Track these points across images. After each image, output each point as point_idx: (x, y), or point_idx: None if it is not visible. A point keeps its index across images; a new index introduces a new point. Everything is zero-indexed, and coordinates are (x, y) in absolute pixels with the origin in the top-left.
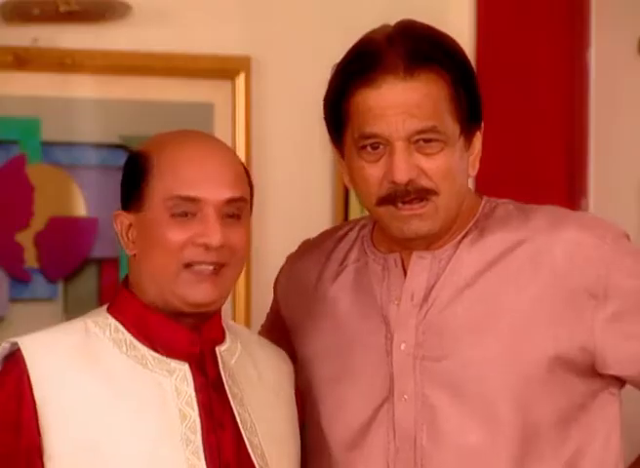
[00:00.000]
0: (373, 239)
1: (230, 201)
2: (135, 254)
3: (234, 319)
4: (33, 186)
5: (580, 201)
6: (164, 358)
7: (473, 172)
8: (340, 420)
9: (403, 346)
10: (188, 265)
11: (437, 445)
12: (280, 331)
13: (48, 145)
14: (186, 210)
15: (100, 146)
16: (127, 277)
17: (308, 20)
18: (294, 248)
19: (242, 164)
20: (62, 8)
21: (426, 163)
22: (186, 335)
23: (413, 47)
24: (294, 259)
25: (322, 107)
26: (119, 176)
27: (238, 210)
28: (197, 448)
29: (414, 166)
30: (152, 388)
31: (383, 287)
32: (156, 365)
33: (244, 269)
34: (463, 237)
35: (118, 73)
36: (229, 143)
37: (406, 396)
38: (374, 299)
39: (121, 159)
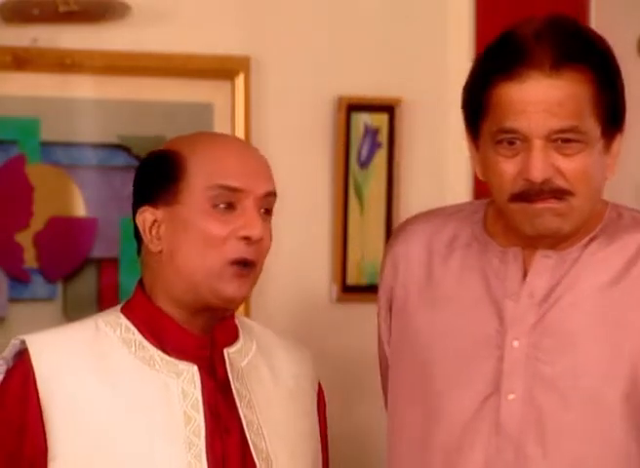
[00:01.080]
0: (486, 228)
1: (268, 195)
2: (160, 251)
3: None
4: (33, 186)
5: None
6: (172, 359)
7: (611, 175)
8: (443, 408)
9: (516, 344)
10: (234, 262)
11: (543, 450)
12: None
13: (47, 145)
14: (229, 200)
15: (99, 146)
16: (141, 279)
17: (308, 20)
18: (292, 246)
19: (267, 161)
20: (62, 8)
21: (564, 163)
22: (196, 339)
23: (561, 44)
24: (398, 241)
25: (464, 96)
26: (118, 176)
27: (270, 205)
28: (200, 452)
29: (550, 165)
30: (158, 390)
31: (499, 280)
32: (164, 366)
33: None
34: (590, 241)
35: (117, 73)
36: None
37: (513, 395)
38: (487, 290)
39: (120, 159)
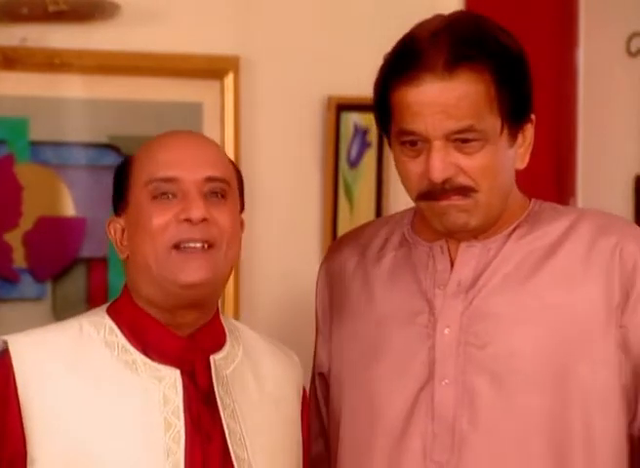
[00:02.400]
0: (414, 228)
1: (210, 179)
2: (127, 257)
3: None
4: (22, 186)
5: (568, 200)
6: (155, 364)
7: (522, 165)
8: (380, 404)
9: (447, 331)
10: (176, 246)
11: (476, 430)
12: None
13: (36, 145)
14: (166, 190)
15: (88, 146)
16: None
17: (298, 20)
18: (282, 246)
19: (226, 154)
20: (51, 7)
21: (464, 161)
22: (180, 341)
23: (455, 45)
24: (330, 254)
25: (373, 97)
26: (107, 176)
27: (221, 190)
28: (178, 461)
29: (450, 164)
30: (139, 395)
31: (428, 272)
32: (146, 370)
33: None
34: (514, 230)
35: (107, 73)
36: (218, 143)
37: (446, 380)
38: (417, 284)
39: (109, 159)
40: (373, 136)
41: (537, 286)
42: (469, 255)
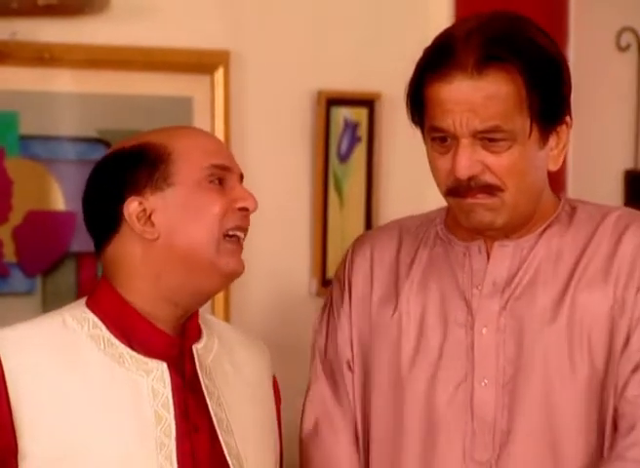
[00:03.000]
0: (447, 227)
1: (242, 177)
2: (157, 238)
3: (214, 314)
4: (11, 180)
5: (558, 195)
6: (142, 357)
7: (554, 166)
8: (415, 397)
9: (484, 331)
10: (227, 234)
11: (516, 430)
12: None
13: (26, 139)
14: (221, 176)
15: (78, 140)
16: (103, 274)
17: (288, 15)
18: (272, 240)
19: None
20: (41, 2)
21: (491, 160)
22: (167, 337)
23: (487, 44)
24: (365, 239)
25: (407, 92)
26: None
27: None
28: (170, 453)
29: (477, 162)
30: (128, 388)
31: (465, 272)
32: (133, 363)
33: None
34: (545, 229)
35: (96, 67)
36: None
37: (486, 381)
38: (455, 283)
39: (99, 153)
40: (363, 130)
41: (569, 286)
42: (502, 255)
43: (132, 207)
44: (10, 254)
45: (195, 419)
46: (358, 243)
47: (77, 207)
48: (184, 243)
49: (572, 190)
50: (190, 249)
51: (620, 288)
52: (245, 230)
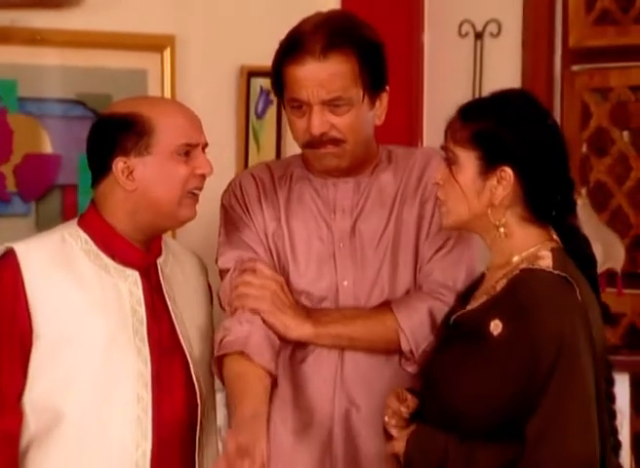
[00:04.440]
0: (305, 166)
1: (205, 145)
2: (135, 189)
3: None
4: (12, 131)
5: (416, 144)
6: (120, 267)
7: (379, 122)
8: (301, 282)
9: (341, 245)
10: (190, 193)
11: (372, 303)
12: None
13: (23, 100)
14: (188, 150)
15: (62, 101)
16: (93, 200)
17: (219, 6)
18: (207, 188)
19: None
20: None
21: (336, 120)
22: (140, 252)
23: (329, 35)
24: (248, 172)
25: (271, 74)
26: (77, 124)
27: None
28: (143, 336)
29: (326, 122)
30: (112, 289)
31: (323, 202)
32: (115, 272)
33: None
34: (374, 168)
35: (75, 47)
36: None
37: (347, 281)
38: (317, 210)
39: (78, 111)
40: (274, 95)
41: (397, 208)
42: (346, 189)
43: (119, 165)
44: (11, 185)
45: (159, 313)
46: (244, 174)
47: (62, 150)
48: (155, 196)
49: (426, 140)
50: (158, 201)
51: (423, 201)
52: (201, 188)
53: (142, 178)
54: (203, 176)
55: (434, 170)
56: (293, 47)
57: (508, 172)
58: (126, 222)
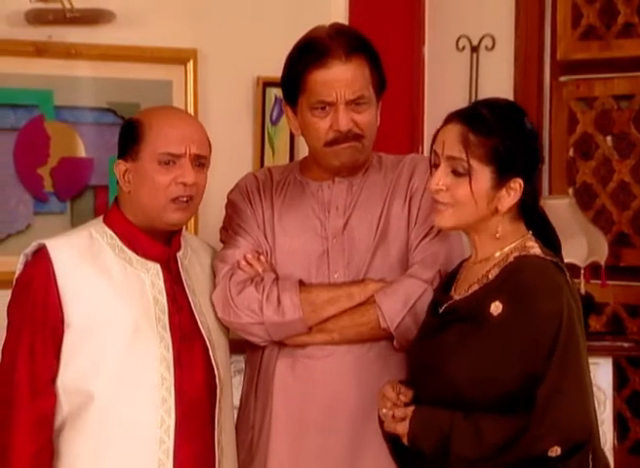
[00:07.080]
0: (303, 173)
1: (198, 156)
2: (129, 191)
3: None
4: (49, 136)
5: (418, 149)
6: (143, 260)
7: (378, 123)
8: (293, 267)
9: (334, 241)
10: (173, 200)
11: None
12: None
13: (59, 109)
14: (171, 159)
15: (94, 109)
16: (116, 199)
17: (238, 21)
18: (226, 179)
19: (203, 129)
20: (68, 14)
21: (358, 118)
22: (160, 246)
23: (348, 40)
24: (251, 174)
25: (284, 80)
26: (107, 130)
27: (203, 160)
28: (165, 324)
29: (351, 120)
30: (136, 281)
31: (318, 202)
32: (138, 264)
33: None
34: (366, 171)
35: (107, 60)
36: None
37: (337, 274)
38: (312, 209)
39: (109, 118)
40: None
41: (383, 209)
42: (340, 188)
43: (118, 167)
44: (49, 186)
45: (179, 302)
46: (248, 175)
47: (94, 154)
48: (142, 200)
49: (426, 148)
50: (146, 204)
51: (409, 197)
52: (187, 196)
53: (133, 182)
54: (184, 185)
55: (422, 173)
56: (317, 52)
57: (519, 182)
58: (139, 219)
